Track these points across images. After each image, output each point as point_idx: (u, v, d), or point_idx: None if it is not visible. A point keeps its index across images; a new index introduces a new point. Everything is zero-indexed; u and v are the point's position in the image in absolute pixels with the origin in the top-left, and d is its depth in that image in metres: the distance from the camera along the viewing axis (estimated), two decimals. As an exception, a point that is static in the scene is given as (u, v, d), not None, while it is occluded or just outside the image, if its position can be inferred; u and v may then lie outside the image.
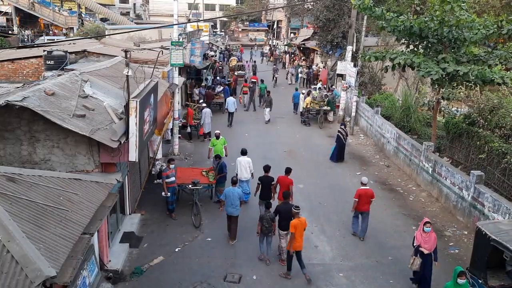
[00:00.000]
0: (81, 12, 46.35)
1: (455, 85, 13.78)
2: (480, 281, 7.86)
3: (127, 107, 8.41)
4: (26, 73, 15.62)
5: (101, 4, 49.77)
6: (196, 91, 23.07)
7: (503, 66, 12.93)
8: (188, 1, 45.73)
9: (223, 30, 66.35)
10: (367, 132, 20.37)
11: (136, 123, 8.40)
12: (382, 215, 12.33)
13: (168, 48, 15.10)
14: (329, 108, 22.23)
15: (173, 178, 11.71)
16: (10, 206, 6.07)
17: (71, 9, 48.40)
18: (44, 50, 14.12)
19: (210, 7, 65.76)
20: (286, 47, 47.32)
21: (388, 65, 13.96)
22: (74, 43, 18.74)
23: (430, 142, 14.42)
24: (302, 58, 39.16)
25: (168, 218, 11.82)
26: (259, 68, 34.19)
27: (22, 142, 8.06)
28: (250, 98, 24.48)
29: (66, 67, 13.19)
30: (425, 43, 13.69)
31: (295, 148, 18.20)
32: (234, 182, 10.85)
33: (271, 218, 9.73)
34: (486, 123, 14.28)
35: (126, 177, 10.39)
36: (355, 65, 21.03)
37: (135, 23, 50.43)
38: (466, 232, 11.40)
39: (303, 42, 38.39)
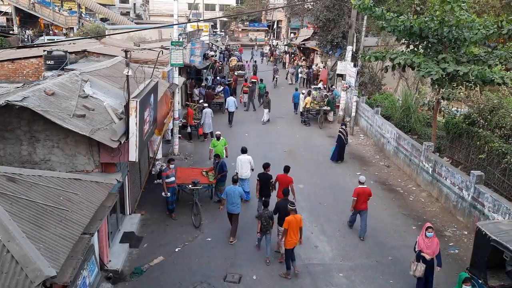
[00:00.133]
0: (82, 12, 46.31)
1: (455, 85, 13.77)
2: (480, 281, 7.85)
3: (127, 107, 8.41)
4: (26, 73, 15.60)
5: (101, 4, 49.69)
6: (196, 91, 23.07)
7: (503, 66, 12.93)
8: (188, 1, 45.78)
9: (223, 30, 66.30)
10: (367, 132, 20.36)
11: (136, 123, 8.41)
12: (382, 215, 12.34)
13: (168, 48, 15.11)
14: (329, 108, 22.23)
15: (173, 178, 11.72)
16: (10, 206, 6.07)
17: (71, 9, 48.39)
18: (44, 50, 14.11)
19: (210, 7, 65.76)
20: (286, 47, 47.30)
21: (388, 65, 13.97)
22: (74, 43, 18.74)
23: (430, 142, 14.43)
24: (302, 58, 39.11)
25: (168, 218, 11.83)
26: (259, 68, 34.22)
27: (22, 142, 8.06)
28: (249, 98, 24.49)
29: (66, 67, 13.18)
30: (425, 43, 13.69)
31: (295, 148, 18.20)
32: (235, 180, 10.87)
33: (270, 216, 9.78)
34: (486, 123, 14.28)
35: (126, 177, 10.38)
36: (355, 65, 21.02)
37: (135, 23, 50.40)
38: (466, 232, 11.40)
39: (303, 42, 38.37)
